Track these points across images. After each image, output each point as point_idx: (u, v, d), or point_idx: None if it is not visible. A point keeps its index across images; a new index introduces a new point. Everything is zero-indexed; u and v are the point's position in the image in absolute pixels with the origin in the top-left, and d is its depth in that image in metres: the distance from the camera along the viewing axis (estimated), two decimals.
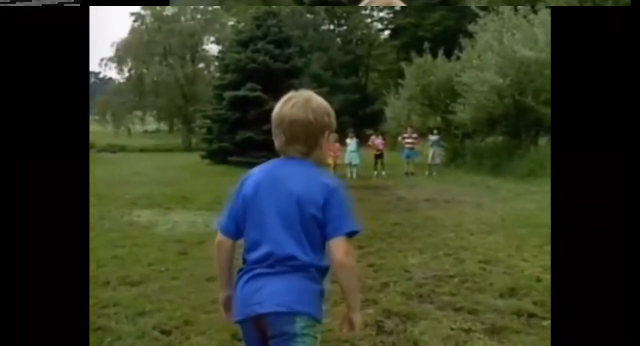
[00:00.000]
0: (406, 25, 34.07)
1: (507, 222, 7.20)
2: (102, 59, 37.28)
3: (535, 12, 13.56)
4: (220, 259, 1.79)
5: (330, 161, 14.44)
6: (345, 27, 38.05)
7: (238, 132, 17.92)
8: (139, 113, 39.53)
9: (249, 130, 17.40)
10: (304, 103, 1.71)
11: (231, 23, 34.83)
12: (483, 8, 15.61)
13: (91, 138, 12.60)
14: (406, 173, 15.16)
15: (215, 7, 35.73)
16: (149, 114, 40.64)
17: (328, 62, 32.26)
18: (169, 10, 35.44)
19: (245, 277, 1.69)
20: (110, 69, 46.08)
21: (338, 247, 1.63)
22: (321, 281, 1.66)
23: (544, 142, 14.28)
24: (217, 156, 18.88)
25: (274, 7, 21.76)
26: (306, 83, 18.07)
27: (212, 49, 37.59)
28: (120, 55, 36.00)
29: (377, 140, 15.53)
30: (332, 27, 37.90)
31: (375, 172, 14.80)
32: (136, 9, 35.18)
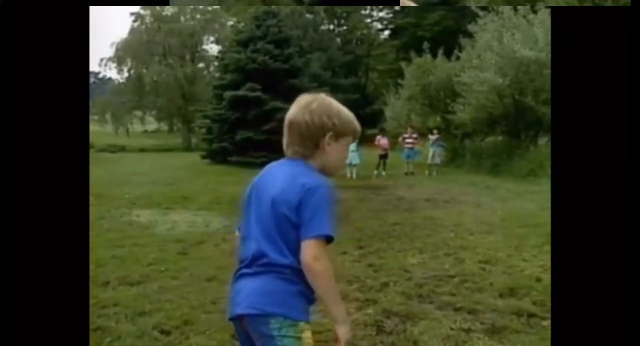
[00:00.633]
0: (406, 25, 34.06)
1: (507, 222, 7.20)
2: (101, 59, 37.32)
3: (535, 12, 13.56)
4: (234, 255, 1.84)
5: None
6: (344, 27, 38.02)
7: (238, 131, 17.91)
8: (138, 113, 39.53)
9: (248, 130, 17.40)
10: (305, 105, 1.71)
11: (231, 23, 34.82)
12: (483, 8, 15.61)
13: (91, 138, 12.59)
14: (406, 173, 15.16)
15: (215, 7, 35.73)
16: (148, 114, 40.63)
17: (328, 62, 32.22)
18: (168, 10, 35.43)
19: (234, 277, 1.73)
20: (110, 68, 46.10)
21: (306, 250, 1.59)
22: (301, 281, 1.62)
23: (544, 141, 14.29)
24: (217, 156, 18.87)
25: (273, 7, 21.75)
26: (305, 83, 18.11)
27: (212, 48, 37.63)
28: (120, 55, 35.98)
29: (382, 140, 15.55)
30: (331, 27, 37.86)
31: (376, 172, 14.81)
32: (136, 8, 35.19)
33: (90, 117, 28.92)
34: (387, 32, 40.06)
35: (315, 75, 25.65)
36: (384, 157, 15.16)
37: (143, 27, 35.68)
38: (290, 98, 1.88)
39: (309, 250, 1.59)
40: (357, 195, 10.35)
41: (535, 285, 4.20)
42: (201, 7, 35.79)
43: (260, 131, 16.46)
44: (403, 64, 20.12)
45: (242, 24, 24.40)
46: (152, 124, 43.06)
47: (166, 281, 4.40)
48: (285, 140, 1.74)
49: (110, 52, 37.16)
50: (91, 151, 20.64)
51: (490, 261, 5.02)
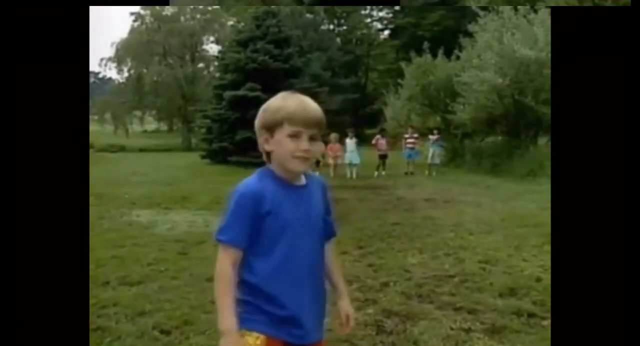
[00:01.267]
0: (406, 25, 34.09)
1: (507, 222, 7.20)
2: (101, 59, 37.33)
3: (535, 11, 13.55)
4: None
5: (331, 161, 14.49)
6: (344, 27, 38.03)
7: (238, 131, 17.90)
8: (138, 113, 39.58)
9: (248, 130, 17.28)
10: None
11: (231, 23, 34.85)
12: (483, 8, 15.61)
13: (91, 138, 12.57)
14: (405, 173, 15.16)
15: (214, 7, 35.73)
16: (148, 114, 40.65)
17: (327, 62, 32.22)
18: (168, 10, 35.46)
19: None
20: (109, 68, 46.10)
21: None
22: (240, 290, 1.65)
23: (544, 141, 14.29)
24: (217, 156, 18.87)
25: (273, 7, 21.75)
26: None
27: (212, 48, 37.68)
28: (120, 55, 36.01)
29: (380, 141, 15.55)
30: (331, 27, 37.87)
31: (376, 173, 14.81)
32: (136, 8, 35.20)
33: (90, 117, 28.92)
34: (387, 32, 40.12)
35: (315, 75, 25.65)
36: (383, 157, 15.17)
37: (143, 27, 35.70)
38: None
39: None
40: (357, 195, 10.35)
41: (535, 285, 4.20)
42: (201, 7, 35.81)
43: None
44: (403, 64, 20.13)
45: (242, 24, 24.41)
46: (151, 124, 43.07)
47: (166, 281, 4.40)
48: None
49: (110, 52, 37.19)
50: (91, 151, 20.66)
51: (490, 261, 5.02)
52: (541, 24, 12.85)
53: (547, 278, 4.28)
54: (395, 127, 20.43)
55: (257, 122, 1.70)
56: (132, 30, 36.06)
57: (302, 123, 1.63)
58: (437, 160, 15.43)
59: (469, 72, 14.80)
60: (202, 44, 37.52)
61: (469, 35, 16.35)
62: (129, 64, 36.28)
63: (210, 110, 20.49)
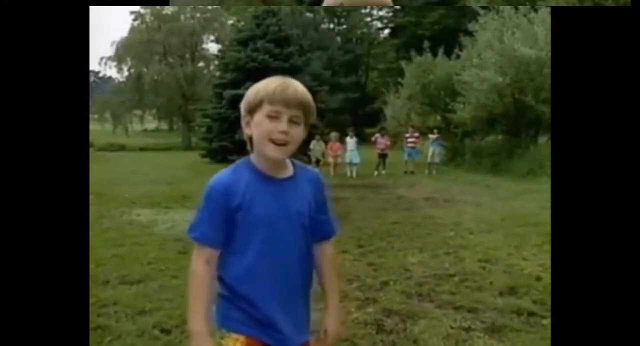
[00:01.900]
0: (406, 24, 34.02)
1: (507, 221, 7.21)
2: (101, 58, 37.25)
3: (535, 10, 13.55)
4: None
5: (331, 160, 14.49)
6: (345, 26, 37.98)
7: (238, 130, 17.56)
8: (138, 112, 39.52)
9: None
10: None
11: (231, 22, 34.78)
12: (483, 7, 15.61)
13: (91, 137, 12.55)
14: (405, 172, 15.16)
15: (215, 6, 35.70)
16: (148, 113, 40.61)
17: (328, 61, 32.19)
18: (168, 9, 35.38)
19: None
20: (110, 67, 46.06)
21: None
22: (220, 286, 1.58)
23: (544, 140, 14.28)
24: (217, 155, 18.87)
25: (273, 6, 21.74)
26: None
27: (212, 47, 37.60)
28: (120, 54, 35.95)
29: (380, 139, 15.56)
30: (331, 26, 37.83)
31: (376, 172, 14.81)
32: (136, 7, 35.17)
33: (90, 116, 28.90)
34: (387, 31, 40.05)
35: (316, 74, 25.62)
36: (383, 156, 15.16)
37: (143, 26, 35.64)
38: None
39: None
40: (357, 194, 10.35)
41: (535, 284, 4.21)
42: (201, 6, 35.76)
43: None
44: (403, 63, 20.13)
45: (242, 23, 24.37)
46: (151, 123, 43.04)
47: (166, 280, 4.40)
48: None
49: (110, 51, 37.08)
50: (91, 150, 20.61)
51: (490, 260, 5.03)
52: (541, 23, 12.84)
53: (547, 277, 4.29)
54: (395, 126, 20.42)
55: (241, 106, 1.60)
56: (132, 29, 36.01)
57: (282, 102, 1.49)
58: (437, 159, 15.42)
59: (469, 71, 14.80)
60: (202, 43, 37.48)
61: (469, 34, 16.35)
62: (129, 63, 36.24)
63: (211, 109, 20.50)
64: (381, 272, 4.64)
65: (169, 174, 14.68)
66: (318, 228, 1.65)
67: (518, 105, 14.06)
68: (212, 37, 37.53)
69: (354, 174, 14.32)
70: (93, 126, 26.42)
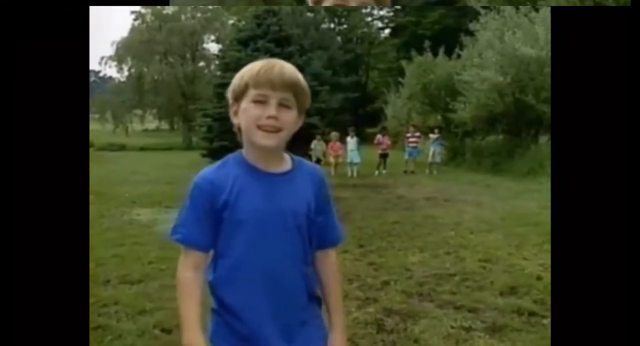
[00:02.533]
0: (406, 23, 34.00)
1: (507, 221, 7.21)
2: (102, 58, 37.31)
3: (536, 10, 13.54)
4: None
5: (332, 160, 14.50)
6: (345, 26, 37.97)
7: None
8: (139, 111, 39.54)
9: None
10: None
11: (231, 22, 34.76)
12: (484, 7, 15.61)
13: (91, 136, 12.57)
14: (405, 172, 15.16)
15: (215, 6, 35.70)
16: (149, 113, 40.63)
17: (328, 60, 32.15)
18: (169, 9, 35.40)
19: None
20: (110, 67, 46.18)
21: None
22: (214, 297, 1.45)
23: (544, 140, 14.28)
24: (218, 155, 18.68)
25: (274, 5, 21.74)
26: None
27: (213, 47, 37.61)
28: (121, 54, 35.98)
29: (382, 140, 15.56)
30: (332, 25, 37.82)
31: (377, 172, 14.81)
32: (136, 7, 35.18)
33: (91, 115, 28.92)
34: (387, 31, 40.04)
35: (316, 73, 25.59)
36: (384, 156, 15.18)
37: (144, 25, 35.66)
38: None
39: None
40: (358, 193, 10.35)
41: (535, 284, 4.21)
42: (202, 6, 35.76)
43: None
44: (404, 63, 20.14)
45: (243, 23, 24.33)
46: (152, 123, 43.06)
47: (167, 280, 4.40)
48: None
49: (110, 50, 37.16)
50: (91, 150, 20.65)
51: (490, 259, 5.03)
52: (542, 23, 12.83)
53: (547, 276, 4.29)
54: (396, 126, 20.44)
55: (228, 95, 1.45)
56: (133, 29, 36.03)
57: (269, 85, 1.33)
58: (437, 159, 15.43)
59: (470, 71, 14.80)
60: (202, 42, 37.49)
61: (470, 33, 16.35)
62: (130, 62, 36.26)
63: (211, 109, 20.47)
64: (382, 272, 4.64)
65: (170, 174, 14.67)
66: (319, 233, 1.47)
67: (519, 105, 14.05)
68: (212, 37, 37.55)
69: (355, 174, 14.32)
70: (93, 126, 26.45)
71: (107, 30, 41.48)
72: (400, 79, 20.33)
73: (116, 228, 6.73)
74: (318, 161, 13.96)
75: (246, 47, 19.29)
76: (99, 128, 33.31)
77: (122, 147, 29.14)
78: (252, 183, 1.39)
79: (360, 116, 33.35)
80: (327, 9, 33.73)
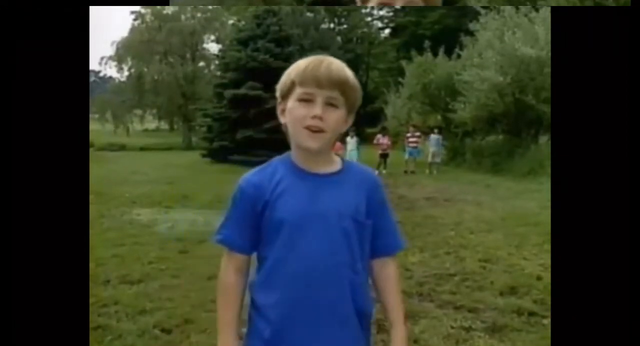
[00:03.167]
0: (406, 23, 34.04)
1: (507, 221, 7.21)
2: (102, 58, 37.28)
3: (536, 10, 13.55)
4: None
5: None
6: (345, 26, 38.01)
7: (238, 130, 17.93)
8: (139, 111, 39.52)
9: (249, 129, 17.43)
10: None
11: (231, 22, 34.76)
12: (484, 7, 15.62)
13: (91, 136, 12.58)
14: (405, 172, 15.16)
15: (215, 6, 35.70)
16: (149, 113, 40.62)
17: None
18: (169, 9, 35.39)
19: None
20: (110, 67, 46.19)
21: None
22: (253, 304, 1.38)
23: (544, 140, 14.29)
24: (218, 155, 18.87)
25: (274, 5, 21.74)
26: None
27: (213, 47, 37.61)
28: (121, 54, 35.96)
29: (382, 140, 15.56)
30: (332, 25, 37.85)
31: (377, 171, 14.83)
32: (136, 7, 35.17)
33: (91, 115, 28.93)
34: (387, 31, 40.10)
35: None
36: (384, 156, 15.19)
37: (143, 25, 35.64)
38: None
39: None
40: None
41: (535, 284, 4.21)
42: (201, 6, 35.75)
43: (261, 130, 16.47)
44: (404, 63, 20.16)
45: (243, 23, 24.34)
46: (152, 123, 43.06)
47: (167, 280, 4.41)
48: None
49: (110, 50, 37.13)
50: (91, 150, 20.66)
51: (490, 259, 5.03)
52: (542, 23, 12.84)
53: (547, 276, 4.29)
54: (396, 126, 20.45)
55: (276, 93, 1.40)
56: (133, 29, 36.01)
57: (315, 83, 1.27)
58: (437, 159, 15.44)
59: (470, 71, 14.81)
60: (202, 42, 37.48)
61: (470, 33, 16.36)
62: (130, 62, 36.24)
63: (211, 109, 20.50)
64: None
65: (170, 174, 14.68)
66: (372, 239, 1.39)
67: (519, 105, 14.06)
68: (212, 37, 37.54)
69: None
70: (93, 126, 26.45)
71: (107, 30, 41.46)
72: (400, 79, 20.34)
73: (116, 228, 6.72)
74: None
75: (246, 47, 19.31)
76: (99, 128, 33.30)
77: (122, 147, 29.12)
78: (297, 183, 1.33)
79: (360, 116, 33.13)
80: (327, 9, 33.79)
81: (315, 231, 1.30)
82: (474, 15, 16.00)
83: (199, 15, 36.42)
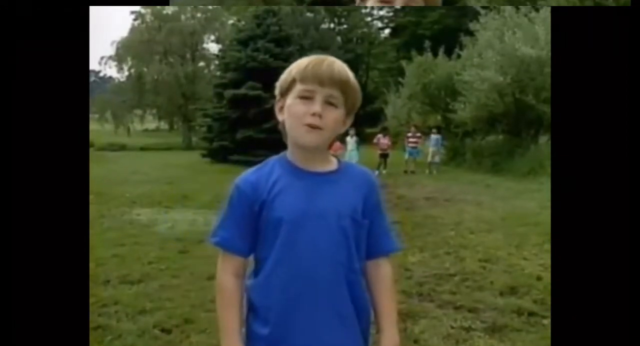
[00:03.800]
0: (406, 23, 34.02)
1: (507, 221, 7.21)
2: (102, 58, 37.28)
3: (536, 10, 13.55)
4: None
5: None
6: (345, 26, 37.98)
7: (238, 130, 17.95)
8: (139, 111, 39.51)
9: (249, 129, 17.45)
10: None
11: (231, 22, 34.75)
12: (484, 7, 15.62)
13: (91, 136, 12.58)
14: (405, 172, 15.17)
15: (215, 6, 35.69)
16: (149, 113, 40.61)
17: None
18: (169, 9, 35.39)
19: None
20: (110, 67, 46.20)
21: None
22: (251, 303, 1.37)
23: (544, 140, 14.29)
24: (218, 155, 18.88)
25: (274, 5, 21.75)
26: None
27: (213, 47, 37.61)
28: (121, 54, 35.96)
29: (382, 140, 15.57)
30: (332, 25, 37.83)
31: (377, 172, 14.83)
32: (136, 7, 35.17)
33: (91, 115, 28.92)
34: (387, 31, 40.07)
35: None
36: (384, 156, 15.20)
37: (143, 25, 35.64)
38: None
39: None
40: None
41: (535, 284, 4.21)
42: (201, 6, 35.74)
43: (260, 130, 16.49)
44: (404, 63, 20.16)
45: (243, 23, 24.35)
46: (152, 123, 43.06)
47: (167, 280, 4.40)
48: None
49: (110, 50, 37.15)
50: (91, 150, 20.64)
51: (490, 259, 5.03)
52: (542, 23, 12.83)
53: (547, 276, 4.29)
54: (396, 126, 20.45)
55: (275, 91, 1.40)
56: (133, 29, 36.01)
57: (316, 80, 1.27)
58: (437, 159, 15.44)
59: (470, 71, 14.81)
60: (202, 42, 37.48)
61: (470, 33, 16.36)
62: (130, 62, 36.24)
63: (211, 109, 20.51)
64: None
65: (170, 174, 14.68)
66: (368, 239, 1.38)
67: (519, 105, 14.06)
68: (212, 37, 37.54)
69: None
70: (93, 126, 26.46)
71: (107, 30, 41.47)
72: (400, 79, 20.34)
73: (116, 228, 6.72)
74: None
75: (246, 47, 19.32)
76: (99, 128, 33.30)
77: (122, 147, 29.11)
78: (293, 182, 1.32)
79: (360, 116, 33.09)
80: (327, 9, 33.79)
81: (315, 230, 1.29)
82: (474, 15, 15.99)
83: (199, 15, 36.41)
